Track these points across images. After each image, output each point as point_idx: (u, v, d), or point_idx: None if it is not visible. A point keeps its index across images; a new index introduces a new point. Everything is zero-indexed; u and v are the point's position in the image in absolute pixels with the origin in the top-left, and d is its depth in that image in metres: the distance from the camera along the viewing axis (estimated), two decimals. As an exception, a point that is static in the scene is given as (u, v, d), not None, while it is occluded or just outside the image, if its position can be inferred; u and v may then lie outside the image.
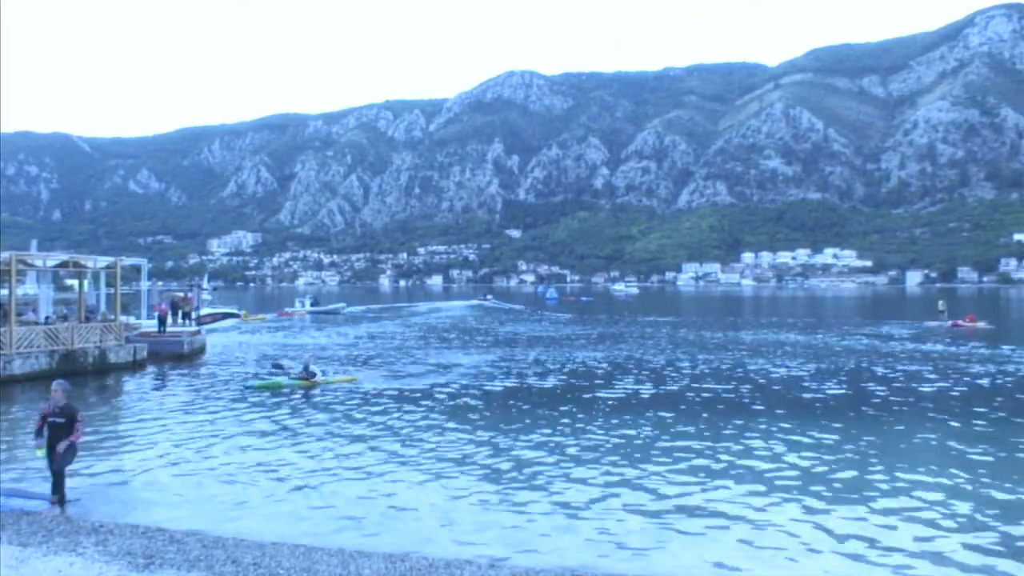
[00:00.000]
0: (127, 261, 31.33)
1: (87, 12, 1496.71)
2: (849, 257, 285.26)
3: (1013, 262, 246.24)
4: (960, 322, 47.23)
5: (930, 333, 41.82)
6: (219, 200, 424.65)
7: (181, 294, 45.36)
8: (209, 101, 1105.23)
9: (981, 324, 46.43)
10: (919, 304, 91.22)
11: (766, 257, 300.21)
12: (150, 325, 33.38)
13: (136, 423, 16.04)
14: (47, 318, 28.19)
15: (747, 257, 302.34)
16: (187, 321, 37.96)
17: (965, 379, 22.47)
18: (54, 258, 27.12)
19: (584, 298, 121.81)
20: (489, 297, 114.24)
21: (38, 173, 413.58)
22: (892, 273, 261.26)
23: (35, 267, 27.37)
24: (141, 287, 40.50)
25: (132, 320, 33.67)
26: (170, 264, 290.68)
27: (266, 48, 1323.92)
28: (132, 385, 22.42)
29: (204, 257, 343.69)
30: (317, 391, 20.23)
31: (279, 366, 20.63)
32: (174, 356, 28.96)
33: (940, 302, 59.00)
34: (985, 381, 21.93)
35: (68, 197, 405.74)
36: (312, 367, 21.47)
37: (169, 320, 34.05)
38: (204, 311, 47.72)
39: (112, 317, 27.82)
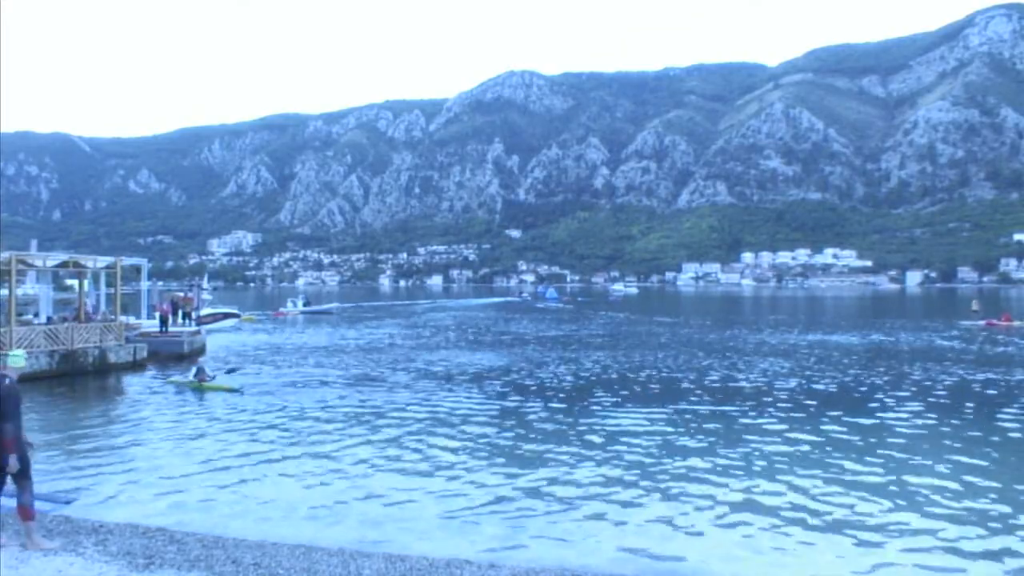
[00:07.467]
0: (127, 261, 31.33)
1: (87, 12, 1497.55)
2: (849, 257, 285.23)
3: (1013, 262, 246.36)
4: (995, 321, 46.02)
5: (970, 333, 40.50)
6: (219, 200, 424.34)
7: (181, 294, 45.36)
8: (209, 101, 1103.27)
9: (1017, 323, 45.08)
10: (927, 304, 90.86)
11: (766, 257, 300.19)
12: (150, 325, 33.41)
13: (136, 423, 16.04)
14: (49, 318, 28.20)
15: (747, 257, 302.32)
16: (187, 321, 37.97)
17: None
18: (54, 258, 27.13)
19: (582, 299, 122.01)
20: (524, 295, 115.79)
21: (38, 173, 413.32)
22: (892, 273, 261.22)
23: (35, 267, 27.37)
24: (141, 287, 40.50)
25: (132, 320, 33.67)
26: (170, 264, 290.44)
27: (266, 48, 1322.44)
28: (132, 385, 22.42)
29: (204, 257, 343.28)
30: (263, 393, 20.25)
31: (201, 370, 21.39)
32: (174, 356, 28.98)
33: (974, 301, 58.79)
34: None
35: (68, 197, 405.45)
36: (206, 369, 21.69)
37: (170, 320, 34.12)
38: (204, 311, 47.68)
39: (112, 317, 27.83)
